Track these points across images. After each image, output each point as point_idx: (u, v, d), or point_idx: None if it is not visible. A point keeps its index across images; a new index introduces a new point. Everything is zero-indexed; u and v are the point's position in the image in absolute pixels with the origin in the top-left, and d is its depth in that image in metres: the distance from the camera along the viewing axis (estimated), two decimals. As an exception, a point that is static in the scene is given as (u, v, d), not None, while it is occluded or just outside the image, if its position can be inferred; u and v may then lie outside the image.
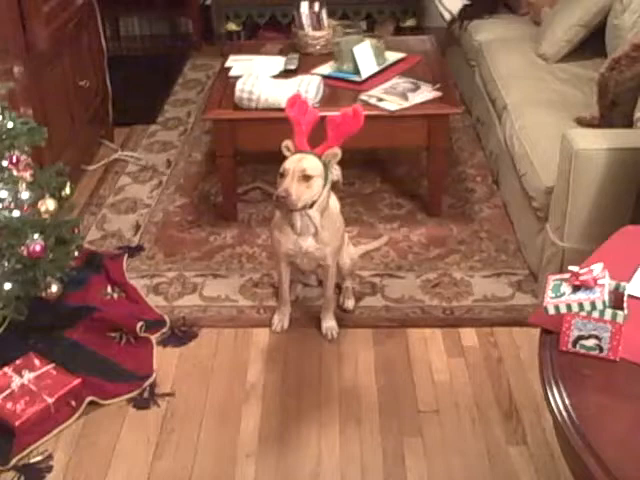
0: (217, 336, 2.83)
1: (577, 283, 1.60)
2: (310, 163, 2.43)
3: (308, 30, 3.85)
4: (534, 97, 3.46)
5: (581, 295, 1.57)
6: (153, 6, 5.72)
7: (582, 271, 1.61)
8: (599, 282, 1.58)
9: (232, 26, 5.54)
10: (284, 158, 2.48)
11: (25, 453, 2.35)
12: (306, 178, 2.41)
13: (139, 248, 3.34)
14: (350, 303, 2.95)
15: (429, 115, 3.24)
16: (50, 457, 2.36)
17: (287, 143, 2.50)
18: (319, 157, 2.45)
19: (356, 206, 3.59)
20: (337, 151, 2.48)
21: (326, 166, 2.47)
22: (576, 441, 1.41)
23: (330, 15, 3.97)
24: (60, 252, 2.68)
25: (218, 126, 3.35)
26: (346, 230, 3.15)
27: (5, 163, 2.56)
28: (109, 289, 3.05)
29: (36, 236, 2.55)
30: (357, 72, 3.47)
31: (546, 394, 1.52)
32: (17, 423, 2.37)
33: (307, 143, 2.48)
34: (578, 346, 1.59)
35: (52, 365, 2.57)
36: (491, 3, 4.64)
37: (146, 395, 2.57)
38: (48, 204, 2.65)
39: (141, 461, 2.34)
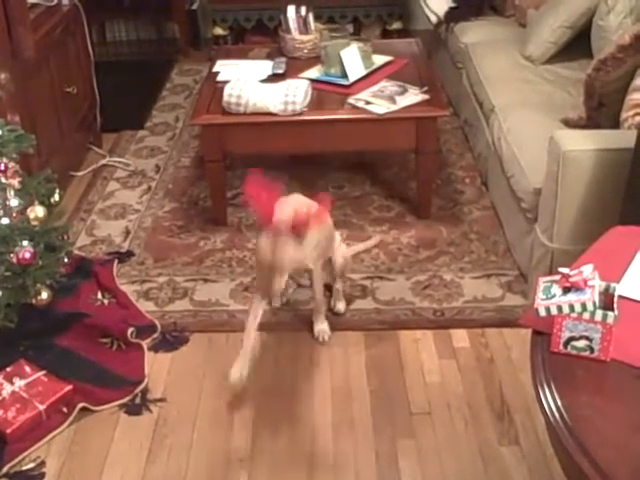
0: (208, 341, 2.83)
1: (567, 285, 1.60)
2: (285, 249, 2.28)
3: (295, 34, 3.85)
4: (521, 99, 3.47)
5: (572, 296, 1.58)
6: (139, 11, 5.70)
7: (572, 272, 1.61)
8: (589, 283, 1.59)
9: (219, 30, 5.54)
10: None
11: (17, 460, 2.34)
12: (284, 266, 2.32)
13: (129, 254, 3.33)
14: (341, 306, 2.94)
15: (417, 118, 3.25)
16: (42, 464, 2.35)
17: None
18: (294, 238, 2.30)
19: (345, 209, 3.59)
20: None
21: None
22: (568, 441, 1.41)
23: (316, 19, 3.98)
24: (50, 259, 2.68)
25: (206, 131, 3.35)
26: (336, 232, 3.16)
27: (-7, 171, 2.55)
28: (99, 295, 3.04)
29: (25, 243, 2.55)
30: (345, 76, 3.48)
31: (538, 395, 1.53)
32: (8, 430, 2.36)
33: (273, 223, 2.30)
34: (569, 347, 1.60)
35: (43, 372, 2.57)
36: (477, 5, 4.66)
37: (138, 401, 2.56)
38: (37, 211, 2.64)
39: (134, 467, 2.34)
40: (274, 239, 2.28)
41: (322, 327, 2.82)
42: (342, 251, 2.90)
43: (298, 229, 2.27)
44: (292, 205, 2.37)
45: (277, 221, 2.29)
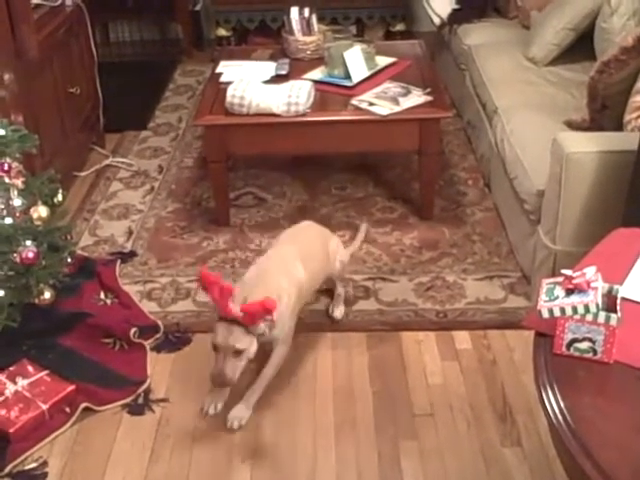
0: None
1: (570, 286, 1.61)
2: (239, 337, 2.30)
3: (298, 35, 3.85)
4: (524, 100, 3.48)
5: (574, 298, 1.58)
6: (143, 12, 5.71)
7: (575, 274, 1.62)
8: (592, 285, 1.59)
9: (222, 31, 5.55)
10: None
11: (20, 460, 2.34)
12: (238, 353, 2.31)
13: (132, 254, 3.33)
14: (339, 312, 2.91)
15: (420, 119, 3.26)
16: (45, 464, 2.35)
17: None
18: (245, 327, 2.30)
19: (348, 210, 3.60)
20: (270, 318, 2.30)
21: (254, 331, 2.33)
22: (571, 443, 1.41)
23: (320, 20, 3.98)
24: (53, 259, 2.69)
25: (209, 132, 3.36)
26: (338, 235, 3.17)
27: (-3, 171, 2.56)
28: (102, 295, 3.05)
29: (29, 243, 2.55)
30: (348, 77, 3.49)
31: (541, 397, 1.53)
32: (11, 430, 2.36)
33: (228, 311, 2.29)
34: (572, 349, 1.60)
35: (46, 371, 2.57)
36: (480, 7, 4.66)
37: (140, 401, 2.57)
38: (40, 211, 2.65)
39: (136, 467, 2.34)
40: (227, 324, 2.31)
41: (239, 414, 2.47)
42: (340, 256, 2.87)
43: (249, 318, 2.28)
44: (244, 293, 2.38)
45: (230, 310, 2.30)
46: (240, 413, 2.46)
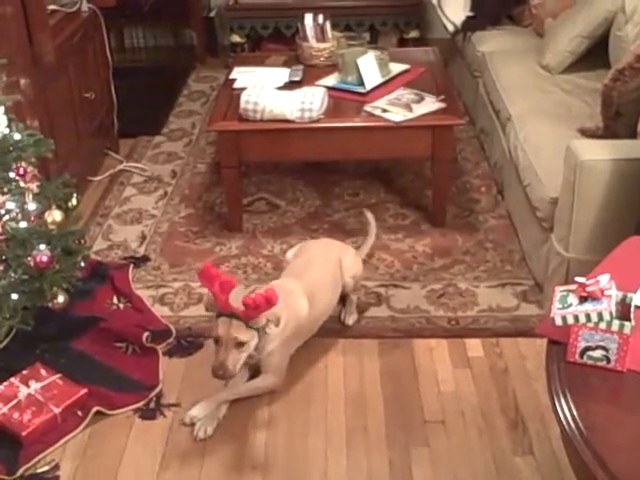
0: (223, 347, 2.83)
1: (584, 294, 1.60)
2: (240, 329, 2.34)
3: (312, 42, 3.87)
4: (538, 108, 3.47)
5: (588, 306, 1.58)
6: (158, 18, 5.73)
7: (589, 282, 1.61)
8: (606, 293, 1.59)
9: (236, 38, 5.56)
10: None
11: (32, 463, 2.35)
12: (239, 345, 2.35)
13: (145, 258, 3.35)
14: (351, 319, 2.91)
15: (433, 126, 3.26)
16: (57, 467, 2.36)
17: (207, 301, 2.42)
18: (245, 321, 2.34)
19: (360, 217, 3.59)
20: (277, 315, 2.38)
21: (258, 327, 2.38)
22: (584, 452, 1.41)
23: (334, 27, 3.99)
24: (66, 263, 2.69)
25: (223, 137, 3.37)
26: (351, 241, 3.17)
27: (12, 175, 2.57)
28: (115, 299, 3.06)
29: (43, 247, 2.56)
30: (361, 83, 3.49)
31: (554, 405, 1.52)
32: (24, 433, 2.38)
33: (228, 305, 2.34)
34: (585, 357, 1.60)
35: (58, 375, 2.58)
36: (494, 14, 4.65)
37: (152, 405, 2.57)
38: (54, 215, 2.66)
39: (147, 471, 2.35)
40: (227, 318, 2.35)
41: (197, 412, 2.50)
42: (354, 271, 2.85)
43: (251, 311, 2.32)
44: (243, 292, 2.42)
45: (229, 304, 2.34)
46: (195, 412, 2.49)
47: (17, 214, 2.57)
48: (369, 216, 3.20)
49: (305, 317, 2.62)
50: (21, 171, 2.58)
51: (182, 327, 2.91)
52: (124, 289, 3.10)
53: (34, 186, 2.63)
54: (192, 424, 2.48)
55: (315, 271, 2.76)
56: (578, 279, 1.64)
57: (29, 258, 2.53)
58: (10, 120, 2.59)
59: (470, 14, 4.68)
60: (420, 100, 3.36)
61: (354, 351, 2.80)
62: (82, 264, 2.83)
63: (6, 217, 2.54)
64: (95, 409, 2.52)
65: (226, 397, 2.54)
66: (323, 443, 2.42)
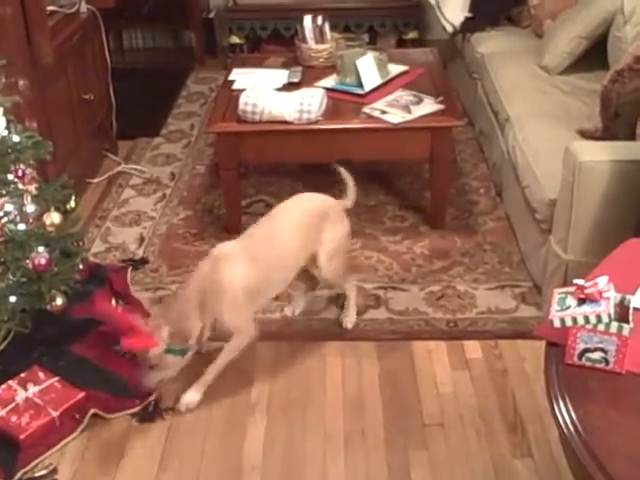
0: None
1: (582, 296, 1.60)
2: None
3: (311, 43, 3.87)
4: (536, 109, 3.47)
5: (587, 308, 1.57)
6: (156, 19, 5.73)
7: (587, 284, 1.61)
8: (604, 295, 1.59)
9: (235, 39, 5.56)
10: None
11: (30, 467, 2.35)
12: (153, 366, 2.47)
13: (143, 261, 3.34)
14: (349, 322, 2.89)
15: (432, 128, 3.26)
16: (55, 471, 2.35)
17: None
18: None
19: (359, 218, 3.59)
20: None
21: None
22: (583, 454, 1.41)
23: (332, 28, 3.99)
24: (65, 265, 2.69)
25: (222, 139, 3.36)
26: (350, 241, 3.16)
27: (11, 177, 2.56)
28: (113, 302, 3.05)
29: (41, 249, 2.55)
30: (360, 85, 3.49)
31: (552, 407, 1.52)
32: (22, 436, 2.37)
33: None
34: (584, 359, 1.59)
35: (57, 378, 2.57)
36: (493, 16, 4.65)
37: (151, 409, 2.56)
38: (53, 217, 2.66)
39: (146, 474, 2.34)
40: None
41: (189, 398, 2.58)
42: (332, 267, 2.75)
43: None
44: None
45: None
46: (190, 397, 2.56)
47: (15, 216, 2.57)
48: (342, 171, 3.06)
49: (245, 277, 2.54)
50: (19, 173, 2.58)
51: (181, 329, 2.90)
52: (122, 291, 3.09)
53: (32, 188, 2.63)
54: (188, 410, 2.55)
55: (269, 228, 2.69)
56: (577, 281, 1.63)
57: (27, 260, 2.52)
58: (9, 122, 2.59)
59: (469, 15, 4.68)
60: (419, 101, 3.36)
61: (352, 353, 2.79)
62: (80, 266, 2.83)
63: (4, 219, 2.53)
64: (92, 411, 2.51)
65: (211, 376, 2.59)
66: (321, 446, 2.41)
